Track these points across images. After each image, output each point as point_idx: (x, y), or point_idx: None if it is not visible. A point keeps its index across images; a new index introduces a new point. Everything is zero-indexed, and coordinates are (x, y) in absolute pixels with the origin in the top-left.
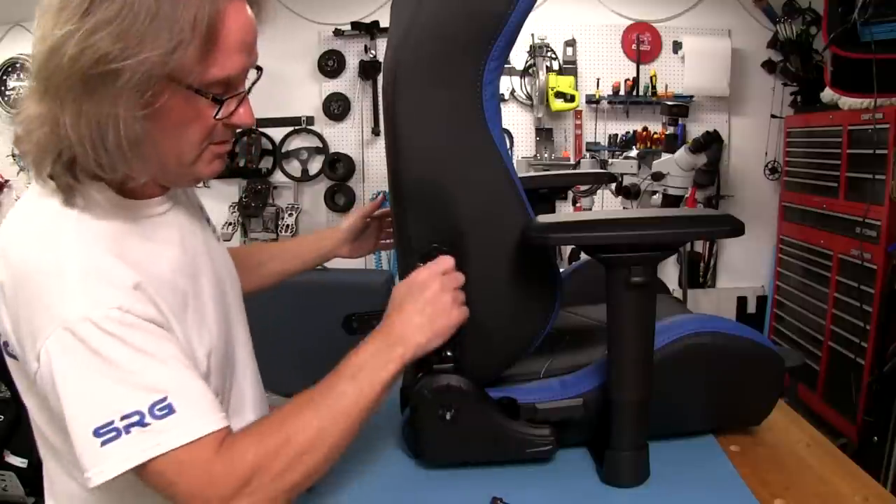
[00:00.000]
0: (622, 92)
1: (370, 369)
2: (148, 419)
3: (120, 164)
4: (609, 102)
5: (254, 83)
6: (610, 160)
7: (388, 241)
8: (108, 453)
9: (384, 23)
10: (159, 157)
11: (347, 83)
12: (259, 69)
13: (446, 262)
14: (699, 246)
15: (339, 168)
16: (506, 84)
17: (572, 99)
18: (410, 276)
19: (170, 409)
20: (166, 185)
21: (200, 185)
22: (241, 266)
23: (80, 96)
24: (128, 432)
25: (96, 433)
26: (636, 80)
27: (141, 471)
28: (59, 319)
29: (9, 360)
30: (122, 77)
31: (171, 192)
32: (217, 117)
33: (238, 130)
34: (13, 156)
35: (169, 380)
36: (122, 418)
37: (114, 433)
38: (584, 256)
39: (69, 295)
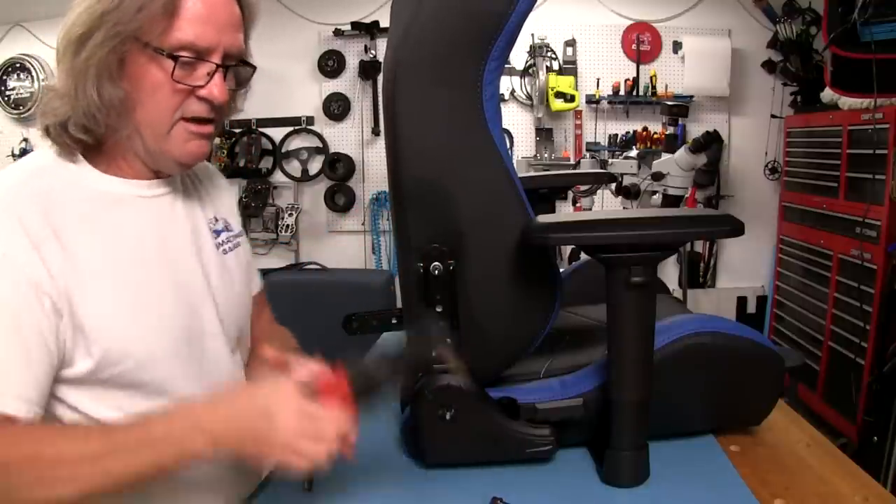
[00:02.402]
0: (622, 92)
1: (172, 443)
2: None
3: (98, 115)
4: (609, 102)
5: (235, 72)
6: (610, 160)
7: None
8: None
9: (384, 23)
10: (135, 122)
11: (347, 83)
12: (250, 66)
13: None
14: (699, 246)
15: (339, 168)
16: (506, 84)
17: (572, 99)
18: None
19: None
20: (152, 165)
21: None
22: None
23: (69, 55)
24: None
25: None
26: (636, 80)
27: None
28: None
29: None
30: (96, 35)
31: (170, 181)
32: (174, 77)
33: (226, 121)
34: (13, 156)
35: None
36: None
37: None
38: (584, 256)
39: None
